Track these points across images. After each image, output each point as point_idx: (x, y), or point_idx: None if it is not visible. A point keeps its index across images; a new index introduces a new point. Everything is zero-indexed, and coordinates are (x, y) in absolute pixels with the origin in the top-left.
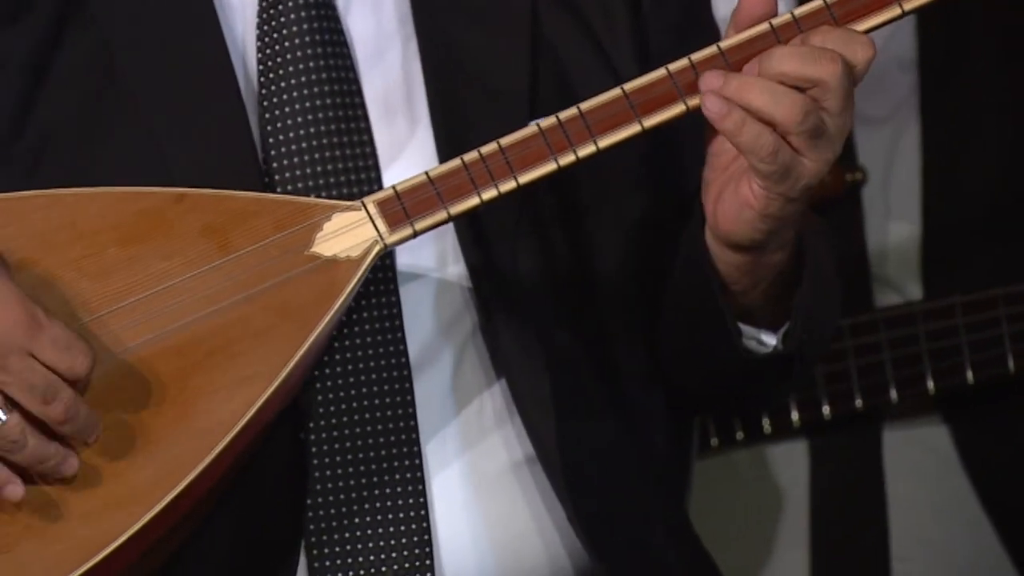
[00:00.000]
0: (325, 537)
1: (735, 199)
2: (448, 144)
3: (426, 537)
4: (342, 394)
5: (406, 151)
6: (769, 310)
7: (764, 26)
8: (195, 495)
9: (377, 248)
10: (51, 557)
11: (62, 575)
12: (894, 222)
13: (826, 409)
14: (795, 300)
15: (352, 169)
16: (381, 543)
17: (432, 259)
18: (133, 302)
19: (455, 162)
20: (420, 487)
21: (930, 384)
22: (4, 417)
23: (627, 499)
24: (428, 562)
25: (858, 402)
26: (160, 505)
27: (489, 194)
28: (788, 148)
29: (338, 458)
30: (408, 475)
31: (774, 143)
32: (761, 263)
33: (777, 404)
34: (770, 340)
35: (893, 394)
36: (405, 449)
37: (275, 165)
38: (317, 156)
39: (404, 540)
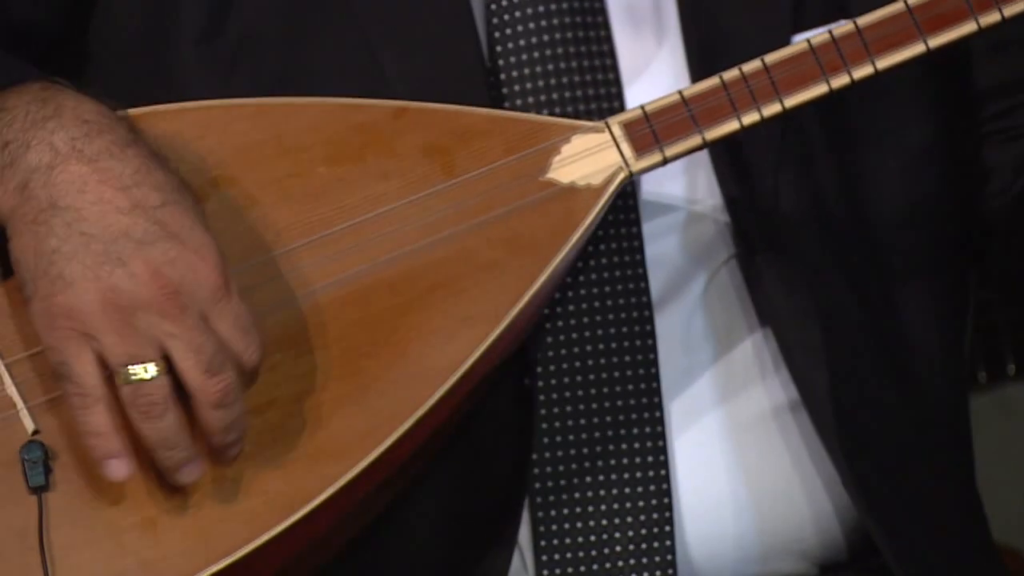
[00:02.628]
0: (552, 497)
1: None
2: (701, 59)
3: (666, 500)
4: (574, 335)
5: (652, 66)
6: None
7: None
8: (408, 448)
9: (621, 175)
10: (243, 514)
11: (255, 534)
12: None
13: None
14: None
15: (591, 83)
16: (615, 505)
17: (680, 188)
18: (342, 229)
19: (712, 80)
20: (660, 442)
21: None
22: (154, 372)
23: (905, 456)
24: (668, 528)
25: None
26: (368, 459)
27: (750, 118)
28: None
29: (568, 407)
30: (648, 428)
31: None
32: None
33: None
34: None
35: None
36: (645, 400)
37: (503, 76)
38: (551, 67)
39: (641, 503)
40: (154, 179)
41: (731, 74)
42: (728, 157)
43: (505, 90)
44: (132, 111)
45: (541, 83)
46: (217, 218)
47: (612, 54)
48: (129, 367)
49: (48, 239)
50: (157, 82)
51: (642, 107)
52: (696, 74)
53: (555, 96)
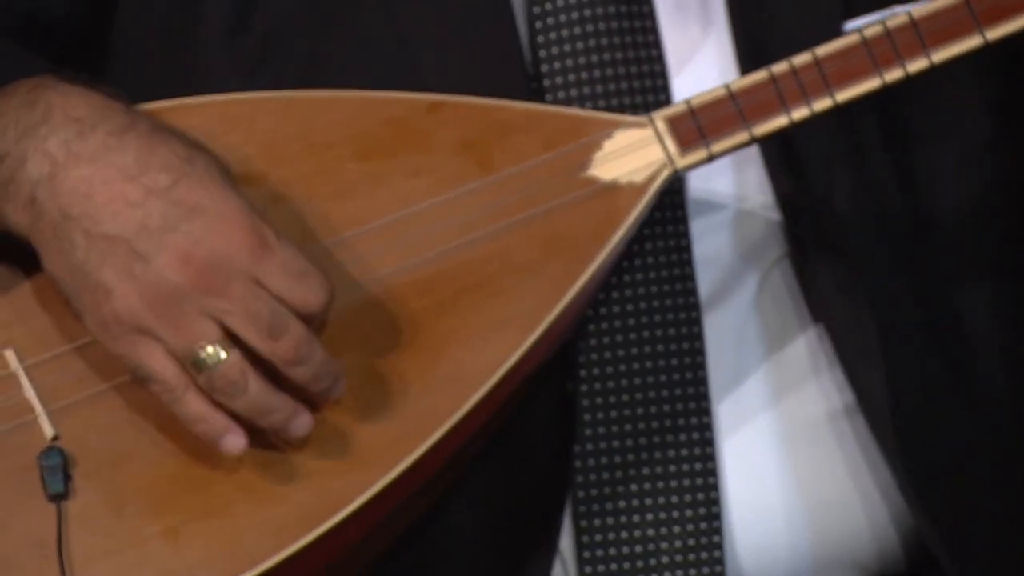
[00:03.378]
0: (596, 505)
1: None
2: (749, 49)
3: (714, 508)
4: (619, 337)
5: (698, 56)
6: None
7: None
8: (444, 455)
9: (665, 172)
10: (270, 523)
11: (282, 545)
12: None
13: None
14: None
15: (636, 75)
16: (662, 513)
17: (730, 184)
18: (373, 228)
19: (761, 74)
20: (709, 448)
21: None
22: (223, 355)
23: (965, 461)
24: (716, 538)
25: None
26: (401, 467)
27: (800, 113)
28: None
29: (612, 412)
30: (695, 434)
31: None
32: None
33: None
34: None
35: None
36: (692, 404)
37: (544, 68)
38: (595, 59)
39: (689, 511)
40: (159, 159)
41: (780, 67)
42: (781, 153)
43: (547, 82)
44: (156, 105)
45: (584, 74)
46: None
47: (658, 44)
48: (195, 356)
49: (73, 252)
50: (182, 78)
51: (687, 101)
52: (744, 63)
53: (599, 88)
